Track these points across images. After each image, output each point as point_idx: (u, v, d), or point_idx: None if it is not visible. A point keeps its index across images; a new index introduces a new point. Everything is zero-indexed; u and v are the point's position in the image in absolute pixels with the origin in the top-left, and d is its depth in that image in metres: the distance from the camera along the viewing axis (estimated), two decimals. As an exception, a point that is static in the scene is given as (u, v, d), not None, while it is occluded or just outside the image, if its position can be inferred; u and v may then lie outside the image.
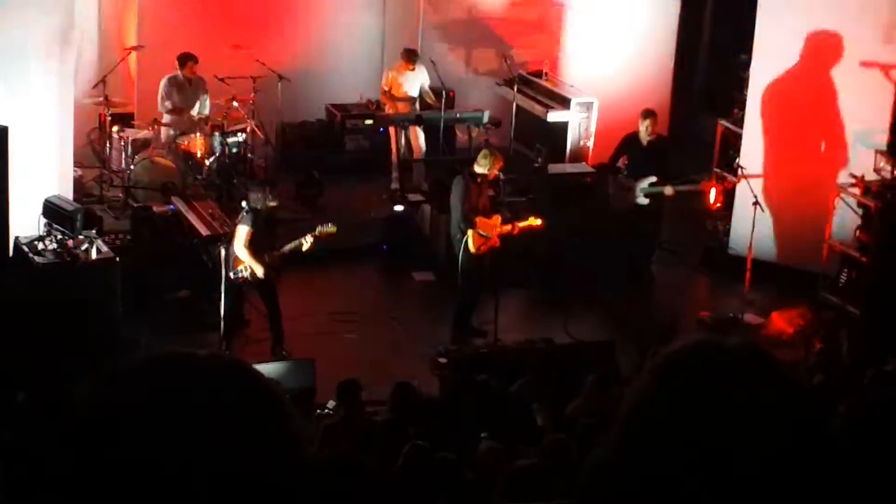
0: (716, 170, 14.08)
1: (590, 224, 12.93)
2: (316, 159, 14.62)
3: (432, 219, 13.41)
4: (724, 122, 14.24)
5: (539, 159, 13.79)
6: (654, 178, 13.06)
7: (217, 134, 13.75)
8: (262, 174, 14.28)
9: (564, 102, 14.47)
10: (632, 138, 13.28)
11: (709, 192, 13.35)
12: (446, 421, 8.46)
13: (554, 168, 13.66)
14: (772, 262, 13.02)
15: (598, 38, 15.33)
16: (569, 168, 13.91)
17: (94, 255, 10.48)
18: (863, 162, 12.68)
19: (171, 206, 12.30)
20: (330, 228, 11.02)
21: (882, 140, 12.68)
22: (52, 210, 10.69)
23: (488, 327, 11.61)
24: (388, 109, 14.57)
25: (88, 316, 10.21)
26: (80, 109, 12.76)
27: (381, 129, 14.71)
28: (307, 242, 10.99)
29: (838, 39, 12.79)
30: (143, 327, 10.63)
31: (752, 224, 12.24)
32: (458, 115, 14.55)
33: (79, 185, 13.08)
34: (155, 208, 12.44)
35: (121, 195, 13.39)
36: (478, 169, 11.59)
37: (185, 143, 13.58)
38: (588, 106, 14.41)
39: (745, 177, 12.78)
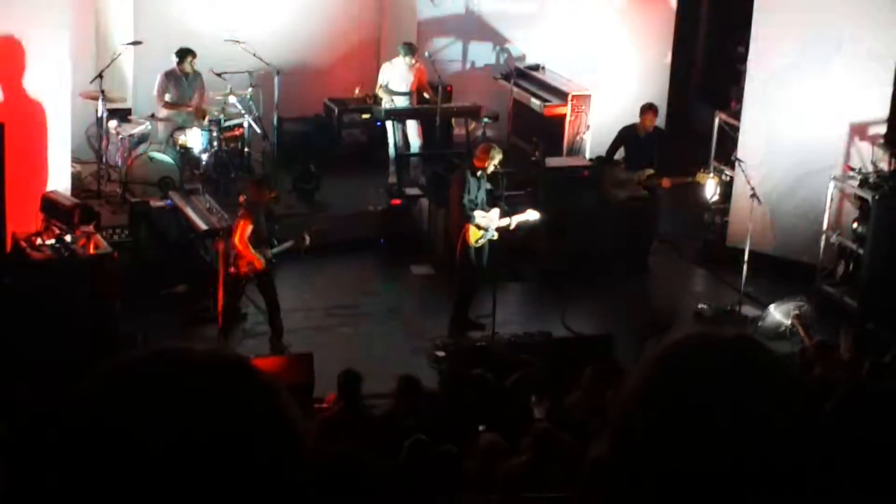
0: (713, 162, 14.08)
1: (587, 217, 12.93)
2: (313, 153, 14.61)
3: (430, 212, 13.41)
4: (721, 115, 14.24)
5: (536, 153, 13.78)
6: (651, 171, 13.09)
7: (214, 129, 13.75)
8: (259, 169, 14.28)
9: (562, 96, 14.47)
10: (629, 131, 13.30)
11: (705, 184, 13.36)
12: (447, 414, 8.47)
13: (552, 161, 13.66)
14: (769, 254, 13.03)
15: (594, 31, 15.32)
16: (566, 161, 13.92)
17: (91, 250, 10.48)
18: (860, 154, 12.70)
19: (169, 201, 12.30)
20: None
21: (879, 132, 12.69)
22: (49, 205, 10.69)
23: (486, 321, 11.62)
24: (385, 104, 14.55)
25: (86, 311, 10.21)
26: (77, 105, 12.74)
27: (378, 123, 14.70)
28: (306, 242, 11.05)
29: (836, 32, 12.78)
30: (141, 322, 10.62)
31: (749, 216, 12.25)
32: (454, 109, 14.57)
33: (76, 180, 13.08)
34: (153, 203, 12.44)
35: (118, 190, 13.38)
36: (477, 163, 11.59)
37: (183, 137, 13.57)
38: (585, 99, 14.41)
39: (743, 169, 12.78)
